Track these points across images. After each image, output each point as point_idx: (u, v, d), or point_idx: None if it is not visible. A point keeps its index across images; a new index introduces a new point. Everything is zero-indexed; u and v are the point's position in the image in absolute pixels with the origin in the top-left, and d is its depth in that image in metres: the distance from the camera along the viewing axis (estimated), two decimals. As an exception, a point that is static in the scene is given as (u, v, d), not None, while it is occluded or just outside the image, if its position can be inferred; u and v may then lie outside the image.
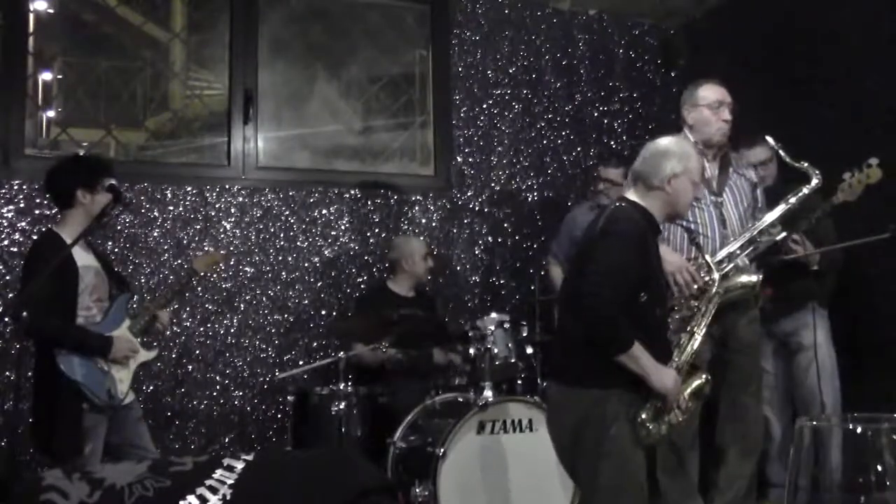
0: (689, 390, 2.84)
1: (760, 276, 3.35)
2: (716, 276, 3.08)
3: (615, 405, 2.72)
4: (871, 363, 4.13)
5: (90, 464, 3.21)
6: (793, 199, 3.50)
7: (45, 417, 3.35)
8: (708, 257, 3.24)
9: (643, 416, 2.74)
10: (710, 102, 3.64)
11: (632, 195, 2.92)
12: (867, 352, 4.15)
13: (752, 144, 3.98)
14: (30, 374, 3.54)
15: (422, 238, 4.91)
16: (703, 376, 2.91)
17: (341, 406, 3.95)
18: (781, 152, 3.55)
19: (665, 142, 2.96)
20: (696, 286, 3.21)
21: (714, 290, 3.03)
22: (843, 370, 3.99)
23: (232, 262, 4.67)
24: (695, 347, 2.92)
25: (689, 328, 2.97)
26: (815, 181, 3.46)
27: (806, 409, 3.94)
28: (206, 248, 4.59)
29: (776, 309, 3.95)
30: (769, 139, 3.55)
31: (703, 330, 2.97)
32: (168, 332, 4.41)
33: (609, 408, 2.71)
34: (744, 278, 3.30)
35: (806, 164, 3.55)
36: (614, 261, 2.68)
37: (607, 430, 2.70)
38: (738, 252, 3.44)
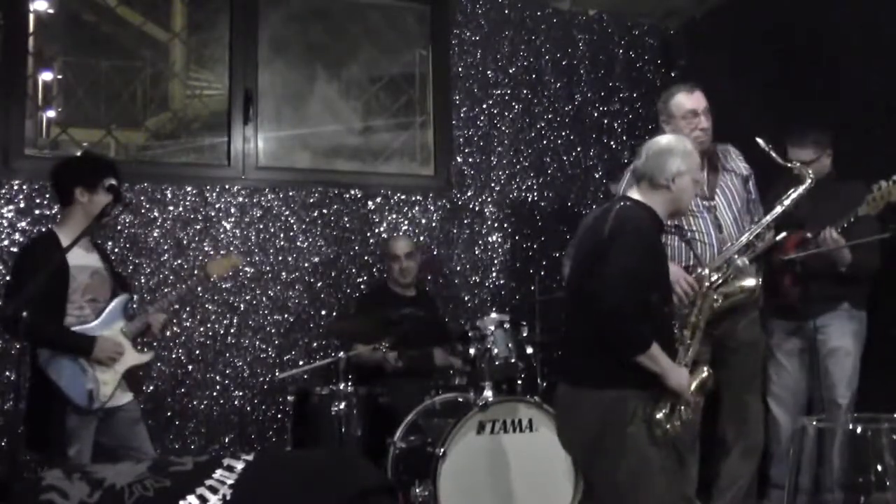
0: (694, 385, 2.86)
1: (760, 281, 3.35)
2: (706, 271, 3.12)
3: (633, 405, 2.73)
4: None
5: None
6: (787, 202, 3.49)
7: (32, 417, 3.34)
8: (705, 262, 3.28)
9: (659, 415, 2.76)
10: (683, 113, 3.58)
11: (635, 194, 2.91)
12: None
13: (795, 145, 3.88)
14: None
15: (404, 240, 4.79)
16: (706, 370, 2.93)
17: (341, 406, 3.95)
18: (773, 153, 3.53)
19: (666, 140, 2.96)
20: (696, 291, 3.21)
21: (706, 284, 3.05)
22: (881, 371, 3.90)
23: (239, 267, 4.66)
24: (698, 345, 2.94)
25: (690, 325, 2.98)
26: (808, 182, 3.45)
27: (823, 410, 3.91)
28: (207, 250, 4.59)
29: (805, 308, 3.86)
30: (760, 140, 3.52)
31: (703, 326, 2.99)
32: (168, 333, 4.41)
33: (627, 408, 2.73)
34: (744, 283, 3.30)
35: (798, 165, 3.55)
36: (629, 261, 2.68)
37: (626, 429, 2.71)
38: (736, 257, 3.43)
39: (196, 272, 3.91)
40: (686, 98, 3.59)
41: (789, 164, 3.56)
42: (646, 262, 2.73)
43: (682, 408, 2.81)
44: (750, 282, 3.27)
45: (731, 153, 3.75)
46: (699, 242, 3.54)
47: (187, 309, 4.57)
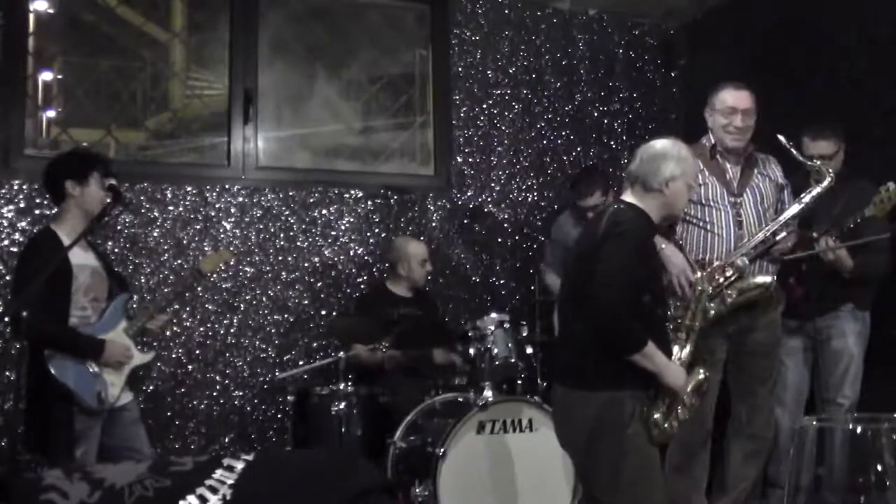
0: (690, 387, 2.87)
1: (774, 278, 3.36)
2: (698, 275, 3.12)
3: (630, 405, 2.75)
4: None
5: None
6: (806, 199, 3.49)
7: (37, 419, 3.34)
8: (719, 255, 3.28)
9: (656, 415, 2.77)
10: (722, 108, 3.63)
11: (629, 197, 2.94)
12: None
13: (817, 137, 3.86)
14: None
15: (421, 239, 4.88)
16: (702, 372, 2.93)
17: (341, 406, 3.95)
18: (794, 151, 3.53)
19: (661, 144, 2.97)
20: (688, 289, 3.21)
21: (699, 289, 3.06)
22: (882, 371, 3.89)
23: (232, 262, 4.66)
24: (693, 346, 2.95)
25: (684, 326, 2.99)
26: (828, 180, 3.45)
27: (824, 410, 3.90)
28: (207, 250, 4.59)
29: (809, 308, 3.86)
30: (781, 137, 3.51)
31: (698, 327, 3.00)
32: (168, 333, 4.42)
33: (625, 408, 2.74)
34: (758, 279, 3.31)
35: (819, 164, 3.54)
36: (623, 262, 2.71)
37: (625, 430, 2.72)
38: (752, 252, 3.44)
39: (188, 268, 3.91)
40: (730, 94, 3.64)
41: (809, 163, 3.54)
42: (637, 262, 2.75)
43: (680, 408, 2.82)
44: (764, 279, 3.29)
45: (771, 161, 3.74)
46: (716, 236, 3.55)
47: (187, 309, 4.57)
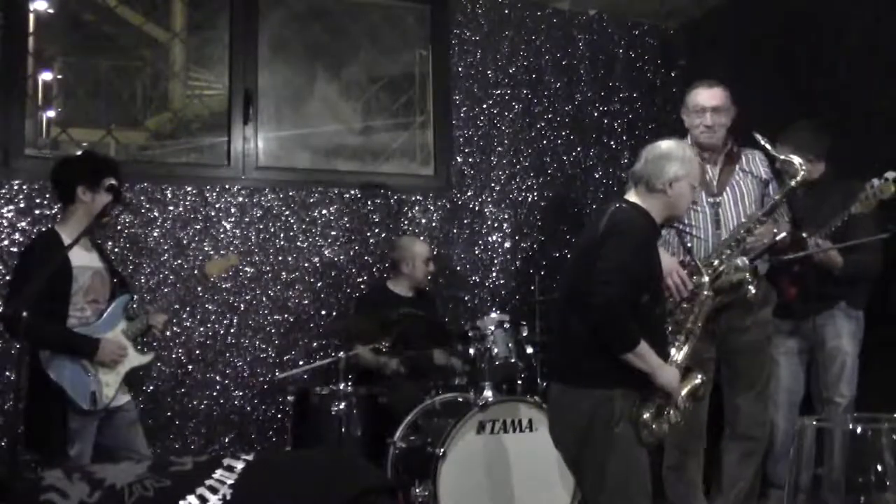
0: (685, 391, 2.86)
1: (747, 275, 3.34)
2: (705, 279, 3.10)
3: (620, 404, 2.75)
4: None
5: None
6: (777, 196, 3.51)
7: (33, 418, 3.34)
8: (700, 260, 3.27)
9: (645, 416, 2.77)
10: (693, 107, 3.66)
11: (632, 197, 2.94)
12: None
13: (784, 141, 3.82)
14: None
15: (422, 239, 4.89)
16: (699, 377, 2.93)
17: (341, 406, 3.95)
18: (768, 146, 3.53)
19: (666, 145, 2.98)
20: (688, 288, 3.22)
21: (704, 292, 3.05)
22: (881, 371, 3.89)
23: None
24: (691, 349, 2.94)
25: (684, 329, 2.98)
26: (801, 174, 3.44)
27: (822, 409, 3.91)
28: (207, 250, 4.59)
29: (802, 308, 3.87)
30: (757, 135, 3.52)
31: (698, 331, 2.99)
32: (168, 333, 4.42)
33: (616, 407, 2.74)
34: (733, 278, 3.30)
35: (792, 157, 3.52)
36: (622, 260, 2.71)
37: (613, 428, 2.72)
38: (730, 252, 3.43)
39: (195, 272, 3.91)
40: (699, 93, 3.66)
41: (783, 157, 3.54)
42: (637, 260, 2.75)
43: (672, 410, 2.81)
44: (738, 275, 3.27)
45: (755, 157, 3.72)
46: (695, 238, 3.55)
47: (187, 309, 4.57)
